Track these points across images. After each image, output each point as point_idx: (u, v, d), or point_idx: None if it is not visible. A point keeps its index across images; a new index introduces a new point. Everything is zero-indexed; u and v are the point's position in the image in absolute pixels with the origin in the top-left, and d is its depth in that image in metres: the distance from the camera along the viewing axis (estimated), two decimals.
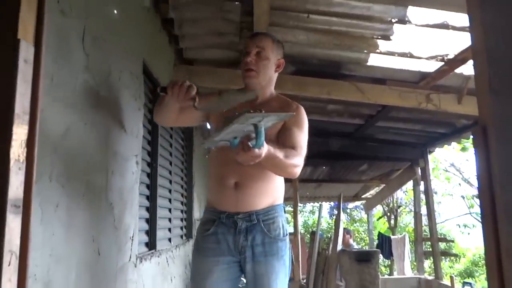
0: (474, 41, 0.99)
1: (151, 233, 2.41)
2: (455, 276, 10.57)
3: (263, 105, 1.61)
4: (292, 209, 6.28)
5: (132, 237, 1.93)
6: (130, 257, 1.89)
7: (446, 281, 4.93)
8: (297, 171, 1.57)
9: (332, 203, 10.94)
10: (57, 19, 1.24)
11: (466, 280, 9.14)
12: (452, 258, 11.52)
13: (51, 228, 1.20)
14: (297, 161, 1.54)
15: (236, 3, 2.29)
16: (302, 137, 1.62)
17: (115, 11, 1.71)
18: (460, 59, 2.55)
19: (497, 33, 0.85)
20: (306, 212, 14.51)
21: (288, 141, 1.57)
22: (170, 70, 2.83)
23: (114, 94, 1.69)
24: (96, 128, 1.54)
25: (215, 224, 1.65)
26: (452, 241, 7.59)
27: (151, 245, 2.40)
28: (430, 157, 5.55)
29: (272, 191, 1.64)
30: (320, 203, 7.15)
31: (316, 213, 12.95)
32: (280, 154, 1.43)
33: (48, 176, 1.19)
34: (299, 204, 11.53)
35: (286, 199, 6.32)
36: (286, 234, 1.64)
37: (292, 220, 6.32)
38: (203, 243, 1.67)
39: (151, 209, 2.43)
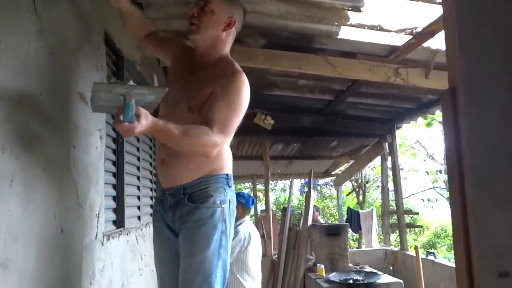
0: (444, 4, 0.97)
1: (118, 211, 2.34)
2: (419, 247, 11.10)
3: (205, 69, 1.55)
4: (264, 187, 6.33)
5: (98, 214, 1.85)
6: (97, 234, 1.82)
7: (411, 252, 5.15)
8: (208, 151, 1.42)
9: (303, 180, 11.12)
10: None
11: (430, 250, 9.62)
12: (416, 231, 12.07)
13: (6, 204, 1.12)
14: (205, 140, 1.39)
15: None
16: (226, 111, 1.44)
17: None
18: (428, 32, 2.57)
19: None
20: (277, 190, 14.70)
21: (205, 114, 1.44)
22: (134, 42, 2.69)
23: (73, 62, 1.58)
24: (54, 99, 1.45)
25: (158, 202, 1.67)
26: (417, 214, 7.91)
27: (119, 223, 2.33)
28: (397, 133, 5.68)
29: (202, 165, 1.51)
30: (291, 180, 7.22)
31: (288, 191, 13.14)
32: (175, 131, 1.33)
33: (0, 147, 1.10)
34: (271, 182, 11.65)
35: (258, 177, 6.31)
36: (221, 203, 1.51)
37: (264, 197, 6.36)
38: (154, 222, 1.73)
39: (118, 187, 2.34)
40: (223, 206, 1.51)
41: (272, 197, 14.39)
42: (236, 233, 3.47)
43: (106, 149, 2.11)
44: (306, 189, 11.83)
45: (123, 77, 2.43)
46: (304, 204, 5.59)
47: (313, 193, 13.37)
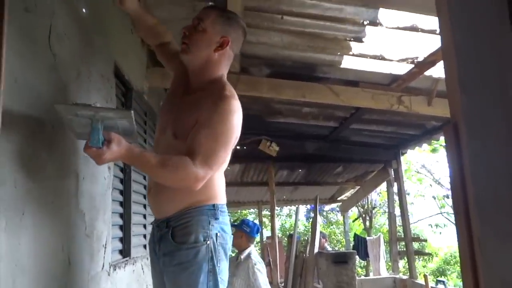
0: (443, 39, 1.00)
1: (125, 240, 2.34)
2: (428, 274, 10.84)
3: (195, 92, 1.44)
4: (270, 213, 6.29)
5: (105, 244, 1.86)
6: (103, 265, 1.82)
7: (420, 280, 5.03)
8: (189, 185, 1.31)
9: (308, 206, 11.02)
10: (20, 17, 1.18)
11: (439, 278, 9.38)
12: (425, 257, 11.81)
13: (17, 238, 1.13)
14: (185, 174, 1.29)
15: (210, 3, 2.27)
16: (211, 142, 1.31)
17: (84, 10, 1.66)
18: (429, 62, 2.62)
19: (464, 30, 0.86)
20: (283, 215, 14.56)
21: (189, 145, 1.33)
22: (143, 72, 2.77)
23: (84, 96, 1.63)
24: (65, 132, 1.48)
25: (151, 233, 1.58)
26: (425, 241, 7.78)
27: (125, 252, 2.32)
28: (402, 158, 5.67)
29: (186, 195, 1.39)
30: (297, 206, 7.18)
31: (293, 216, 13.01)
32: (151, 161, 1.25)
33: (13, 183, 1.12)
34: (276, 208, 11.55)
35: (264, 203, 6.27)
36: (206, 239, 1.37)
37: (270, 223, 6.32)
38: (149, 253, 1.62)
39: (125, 216, 2.35)
40: (207, 242, 1.37)
41: (277, 223, 14.26)
42: (247, 262, 3.41)
43: (114, 178, 2.13)
44: (312, 215, 11.71)
45: (131, 108, 2.49)
46: (310, 230, 5.53)
47: (320, 219, 13.22)
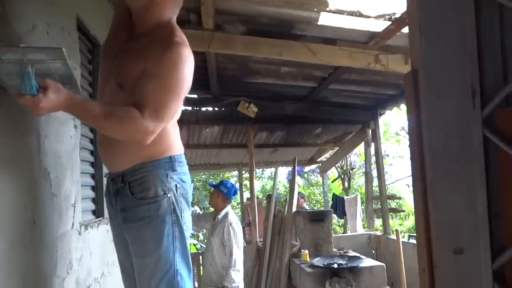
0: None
1: (97, 200, 2.32)
2: (404, 232, 11.30)
3: (140, 38, 1.36)
4: (249, 175, 6.35)
5: (75, 204, 1.84)
6: (73, 224, 1.81)
7: (393, 236, 5.25)
8: (138, 138, 1.26)
9: (290, 168, 11.17)
10: None
11: (412, 234, 9.82)
12: (402, 216, 12.28)
13: None
14: (132, 126, 1.22)
15: None
16: (159, 93, 1.25)
17: None
18: (406, 18, 2.57)
19: None
20: (265, 177, 14.75)
21: (136, 96, 1.25)
22: (109, 27, 2.63)
23: None
24: None
25: (106, 187, 1.54)
26: (400, 198, 8.05)
27: (98, 212, 2.31)
28: (381, 120, 5.73)
29: (138, 149, 1.34)
30: (276, 168, 7.25)
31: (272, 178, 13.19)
32: (95, 110, 1.18)
33: None
34: (258, 170, 11.62)
35: (244, 165, 6.29)
36: (166, 192, 1.35)
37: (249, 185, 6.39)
38: (107, 206, 1.61)
39: (97, 176, 2.32)
40: (168, 195, 1.36)
41: (259, 185, 14.45)
42: (223, 222, 3.48)
43: (83, 138, 2.08)
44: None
45: (99, 65, 2.39)
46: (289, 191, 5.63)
47: (300, 181, 13.43)
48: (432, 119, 0.79)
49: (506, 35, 0.64)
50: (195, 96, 4.95)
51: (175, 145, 1.45)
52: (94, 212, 2.29)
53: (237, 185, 5.54)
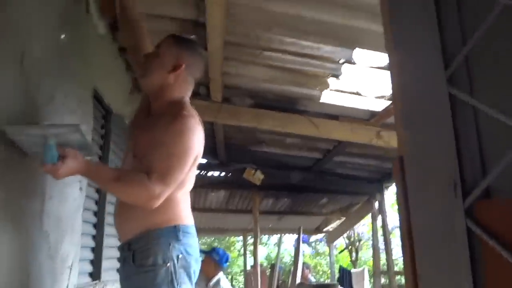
0: (392, 80, 1.06)
1: (95, 262, 2.32)
2: None
3: (155, 115, 1.49)
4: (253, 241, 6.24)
5: (71, 266, 1.85)
6: (67, 287, 1.81)
7: None
8: (144, 201, 1.32)
9: (296, 236, 10.89)
10: None
11: None
12: None
13: None
14: (140, 189, 1.30)
15: (191, 37, 2.36)
16: (166, 159, 1.33)
17: (62, 36, 1.73)
18: None
19: (407, 73, 0.93)
20: (270, 244, 14.37)
21: (145, 162, 1.35)
22: (125, 97, 2.83)
23: (56, 118, 1.67)
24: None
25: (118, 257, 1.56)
26: None
27: (94, 275, 2.30)
28: (387, 192, 5.71)
29: (145, 217, 1.38)
30: (280, 235, 7.12)
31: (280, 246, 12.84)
32: (108, 175, 1.31)
33: None
34: (262, 236, 11.36)
35: (249, 231, 6.18)
36: (165, 261, 1.34)
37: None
38: None
39: (97, 238, 2.35)
40: (168, 265, 1.33)
41: (264, 252, 14.04)
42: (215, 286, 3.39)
43: (87, 199, 2.14)
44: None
45: (111, 131, 2.54)
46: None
47: (307, 250, 13.00)
48: (418, 207, 0.82)
49: (482, 132, 0.70)
50: (203, 160, 5.07)
51: (183, 215, 1.46)
52: (90, 274, 2.28)
53: (237, 252, 5.41)
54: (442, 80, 0.82)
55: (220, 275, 3.53)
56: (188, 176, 1.45)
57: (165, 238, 1.38)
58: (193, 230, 1.48)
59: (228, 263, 3.75)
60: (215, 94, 2.82)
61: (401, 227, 0.88)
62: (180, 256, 1.38)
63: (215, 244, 13.66)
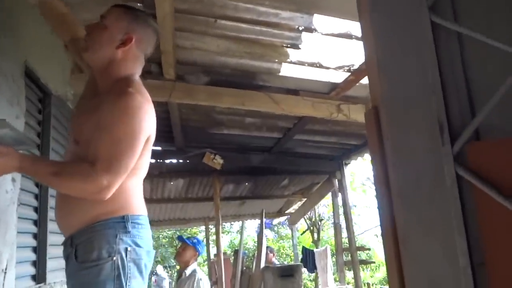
0: (366, 34, 0.95)
1: (39, 263, 2.07)
2: (376, 284, 11.07)
3: (100, 95, 1.34)
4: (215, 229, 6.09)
5: (6, 269, 1.60)
6: None
7: None
8: (93, 195, 1.19)
9: (259, 221, 10.90)
10: None
11: (383, 286, 9.63)
12: (372, 267, 12.10)
13: None
14: (83, 183, 1.17)
15: (139, 4, 2.12)
16: (111, 146, 1.20)
17: None
18: (365, 69, 2.64)
19: (384, 15, 0.80)
20: (233, 232, 14.32)
21: (90, 150, 1.21)
22: (65, 78, 2.53)
23: None
24: None
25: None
26: (369, 249, 7.94)
27: (39, 277, 2.05)
28: (346, 170, 5.76)
29: (89, 208, 1.23)
30: (242, 221, 7.04)
31: (244, 232, 12.81)
32: (45, 170, 1.18)
33: None
34: (224, 223, 11.27)
35: (211, 219, 6.05)
36: (111, 254, 1.20)
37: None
38: None
39: (40, 236, 2.09)
40: (114, 258, 1.20)
41: (227, 240, 13.97)
42: (192, 278, 3.29)
43: (25, 193, 1.88)
44: None
45: (50, 115, 2.25)
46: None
47: (270, 234, 13.11)
48: (398, 158, 0.72)
49: (469, 65, 0.59)
50: (158, 148, 4.81)
51: (133, 204, 1.31)
52: (34, 278, 2.03)
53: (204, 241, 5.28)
54: (423, 8, 0.70)
55: (195, 264, 3.44)
56: (141, 161, 1.30)
57: (111, 230, 1.24)
58: (145, 221, 1.34)
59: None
60: (167, 71, 2.60)
61: (377, 189, 0.77)
62: (129, 249, 1.25)
63: (176, 236, 13.39)
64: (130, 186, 1.29)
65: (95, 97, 1.36)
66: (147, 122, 1.26)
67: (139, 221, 1.29)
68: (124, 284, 1.20)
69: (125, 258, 1.21)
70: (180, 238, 3.73)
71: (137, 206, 1.32)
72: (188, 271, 3.37)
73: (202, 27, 2.31)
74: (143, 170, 1.36)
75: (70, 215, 1.27)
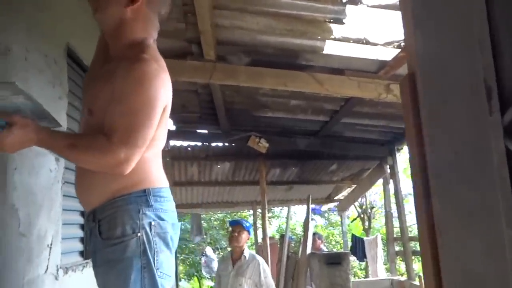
0: None
1: (87, 240, 2.15)
2: None
3: (112, 61, 1.26)
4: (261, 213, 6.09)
5: (51, 244, 1.67)
6: (47, 268, 1.63)
7: (417, 281, 4.82)
8: (111, 168, 1.15)
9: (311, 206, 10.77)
10: None
11: None
12: None
13: None
14: (100, 155, 1.14)
15: None
16: (127, 116, 1.15)
17: None
18: None
19: None
20: (282, 217, 14.34)
21: (105, 121, 1.17)
22: None
23: (15, 74, 1.44)
24: None
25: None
26: None
27: (87, 253, 2.13)
28: (399, 155, 5.46)
29: (108, 182, 1.20)
30: (289, 206, 6.97)
31: (293, 217, 12.78)
32: (61, 143, 1.14)
33: None
34: (273, 208, 11.27)
35: (258, 203, 6.00)
36: (136, 230, 1.18)
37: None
38: None
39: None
40: (138, 234, 1.18)
41: (276, 224, 14.03)
42: (254, 261, 3.33)
43: (71, 172, 1.95)
44: (312, 216, 11.44)
45: None
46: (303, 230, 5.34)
47: (320, 220, 12.94)
48: (435, 132, 0.60)
49: None
50: (204, 131, 4.86)
51: (153, 177, 1.27)
52: (82, 253, 2.11)
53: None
54: None
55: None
56: (158, 132, 1.24)
57: (134, 205, 1.20)
58: (167, 193, 1.29)
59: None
60: (208, 51, 2.56)
61: (412, 167, 0.66)
62: (153, 223, 1.22)
63: (227, 219, 13.67)
64: (149, 158, 1.25)
65: (107, 63, 1.30)
66: (164, 91, 1.21)
67: (161, 193, 1.26)
68: (151, 259, 1.18)
69: (150, 233, 1.19)
70: (235, 222, 3.62)
71: (158, 178, 1.28)
72: (247, 255, 3.36)
73: (241, 3, 2.23)
74: (161, 141, 1.31)
75: (89, 190, 1.25)
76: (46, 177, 1.66)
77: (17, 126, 1.07)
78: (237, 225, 3.47)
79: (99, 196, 1.22)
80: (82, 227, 2.13)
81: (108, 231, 1.19)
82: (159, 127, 1.22)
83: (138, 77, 1.15)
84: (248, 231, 3.45)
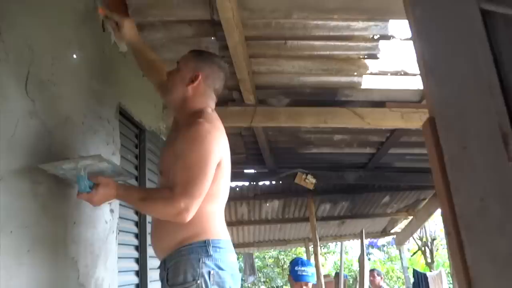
0: (413, 35, 0.86)
1: (142, 287, 2.23)
2: None
3: (178, 130, 1.52)
4: (319, 250, 5.93)
5: None
6: None
7: None
8: (173, 217, 1.32)
9: (367, 241, 10.32)
10: None
11: None
12: None
13: None
14: (164, 205, 1.33)
15: (212, 38, 2.24)
16: (186, 171, 1.34)
17: (74, 56, 1.66)
18: None
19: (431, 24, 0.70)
20: (338, 252, 13.81)
21: (170, 178, 1.40)
22: (157, 113, 2.76)
23: (74, 139, 1.60)
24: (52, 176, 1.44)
25: None
26: None
27: None
28: None
29: (175, 233, 1.38)
30: (341, 242, 6.74)
31: (349, 253, 12.28)
32: (134, 196, 1.38)
33: None
34: (327, 244, 10.90)
35: (310, 240, 5.86)
36: (195, 278, 1.30)
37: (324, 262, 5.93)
38: None
39: (141, 260, 2.27)
40: (198, 281, 1.30)
41: (332, 260, 13.52)
42: None
43: (125, 221, 2.07)
44: (369, 251, 10.99)
45: (145, 148, 2.47)
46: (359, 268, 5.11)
47: (379, 254, 12.30)
48: (459, 181, 0.60)
49: None
50: (251, 171, 4.93)
51: (214, 229, 1.44)
52: None
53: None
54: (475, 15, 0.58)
55: None
56: (216, 187, 1.42)
57: (194, 254, 1.36)
58: (227, 245, 1.44)
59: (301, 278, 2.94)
60: (247, 96, 2.67)
61: (442, 213, 0.66)
62: (212, 272, 1.35)
63: (281, 257, 13.40)
64: (209, 211, 1.42)
65: (174, 132, 1.57)
66: (216, 147, 1.40)
67: (220, 244, 1.40)
68: None
69: (208, 281, 1.31)
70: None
71: (218, 231, 1.43)
72: None
73: (275, 50, 2.33)
74: (222, 196, 1.49)
75: (161, 240, 1.44)
76: (102, 229, 1.78)
77: (102, 185, 1.31)
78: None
79: (168, 246, 1.39)
80: (137, 273, 2.22)
81: (173, 278, 1.34)
82: (216, 182, 1.39)
83: (192, 136, 1.38)
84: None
